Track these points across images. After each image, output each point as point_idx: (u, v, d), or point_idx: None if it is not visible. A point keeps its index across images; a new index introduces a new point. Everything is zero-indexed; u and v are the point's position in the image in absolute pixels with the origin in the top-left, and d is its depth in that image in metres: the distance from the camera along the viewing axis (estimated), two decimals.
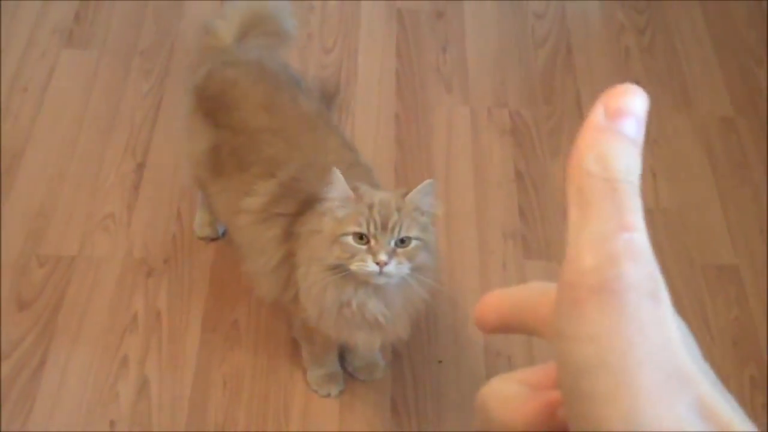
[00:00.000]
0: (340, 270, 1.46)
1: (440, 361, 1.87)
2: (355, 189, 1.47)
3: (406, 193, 1.48)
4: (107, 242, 2.02)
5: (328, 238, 1.47)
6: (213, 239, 2.02)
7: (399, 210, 1.45)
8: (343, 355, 1.84)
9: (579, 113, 2.35)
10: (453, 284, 1.99)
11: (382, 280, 1.46)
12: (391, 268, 1.44)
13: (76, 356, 1.85)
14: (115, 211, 2.07)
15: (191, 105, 1.78)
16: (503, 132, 2.31)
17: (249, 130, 1.67)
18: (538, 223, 2.13)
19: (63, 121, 2.25)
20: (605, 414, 0.36)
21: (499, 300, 0.48)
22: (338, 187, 1.45)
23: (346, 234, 1.45)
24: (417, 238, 1.46)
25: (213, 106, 1.73)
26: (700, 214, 2.17)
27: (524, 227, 2.11)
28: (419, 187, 1.47)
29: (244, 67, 1.76)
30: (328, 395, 1.81)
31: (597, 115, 0.41)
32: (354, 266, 1.45)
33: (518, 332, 0.46)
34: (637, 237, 0.40)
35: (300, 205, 1.58)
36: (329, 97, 2.34)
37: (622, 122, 0.41)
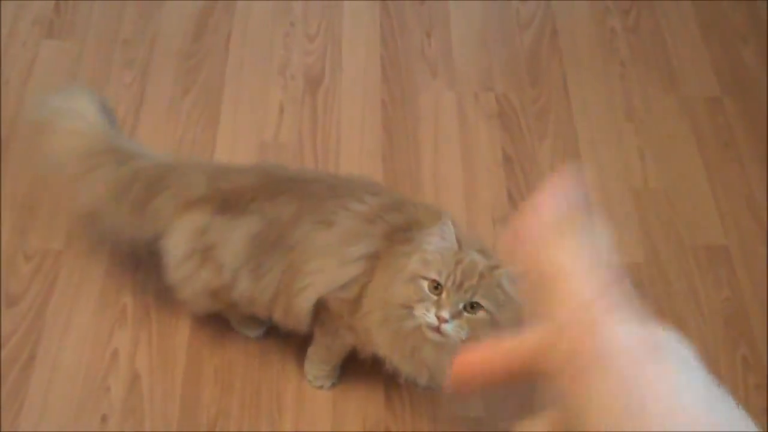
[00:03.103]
0: (405, 310, 1.45)
1: None
2: (459, 243, 1.44)
3: (497, 267, 1.43)
4: (94, 235, 2.00)
5: (408, 274, 1.45)
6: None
7: (482, 277, 1.41)
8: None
9: (566, 95, 2.35)
10: None
11: (437, 337, 1.43)
12: (448, 327, 1.41)
13: (65, 351, 1.83)
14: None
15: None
16: (490, 116, 2.30)
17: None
18: None
19: None
20: None
21: (485, 353, 0.48)
22: (446, 236, 1.44)
23: (425, 278, 1.42)
24: (487, 310, 1.42)
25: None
26: (688, 194, 2.17)
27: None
28: (509, 272, 1.42)
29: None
30: (321, 387, 1.80)
31: (536, 216, 0.45)
32: (417, 311, 1.42)
33: (511, 380, 0.47)
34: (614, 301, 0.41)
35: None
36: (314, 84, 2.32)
37: (563, 221, 0.44)
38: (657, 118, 2.32)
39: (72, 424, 1.74)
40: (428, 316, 1.41)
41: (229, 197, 1.62)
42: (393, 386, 1.81)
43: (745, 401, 1.82)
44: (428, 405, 1.80)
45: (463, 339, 1.42)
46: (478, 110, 2.31)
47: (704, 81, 2.42)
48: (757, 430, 0.39)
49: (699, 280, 2.00)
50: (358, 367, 1.83)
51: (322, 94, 2.33)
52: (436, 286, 1.42)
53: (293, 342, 1.86)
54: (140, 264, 1.96)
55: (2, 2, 2.47)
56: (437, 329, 1.41)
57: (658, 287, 1.98)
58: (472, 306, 1.41)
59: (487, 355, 0.48)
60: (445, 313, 1.40)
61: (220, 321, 1.88)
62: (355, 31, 2.49)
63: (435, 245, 1.45)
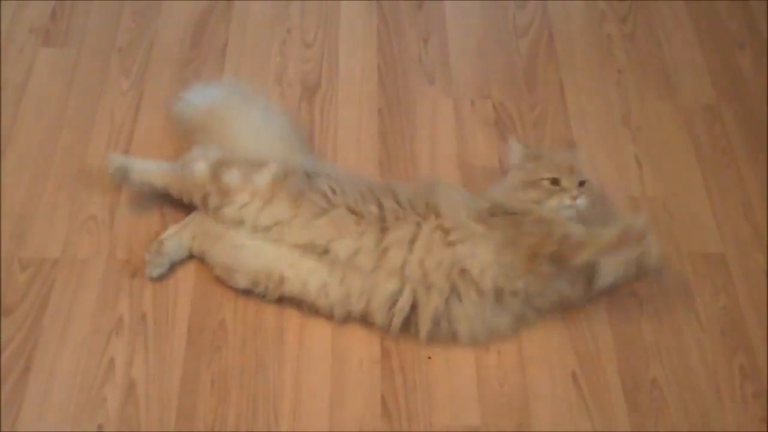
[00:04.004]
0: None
1: (429, 357, 1.86)
2: (528, 149, 2.04)
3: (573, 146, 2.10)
4: (90, 243, 2.00)
5: (523, 183, 1.96)
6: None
7: (571, 161, 1.98)
8: None
9: (562, 103, 2.34)
10: None
11: (572, 212, 1.91)
12: (580, 201, 1.92)
13: (61, 360, 1.83)
14: (98, 212, 2.05)
15: None
16: (487, 123, 2.30)
17: None
18: None
19: (42, 121, 2.23)
20: None
21: None
22: (516, 153, 2.03)
23: (543, 179, 1.94)
24: (589, 180, 1.96)
25: None
26: (685, 201, 2.16)
27: None
28: (579, 152, 2.08)
29: None
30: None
31: None
32: (550, 203, 1.92)
33: None
34: None
35: None
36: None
37: None
38: (654, 125, 2.32)
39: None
40: (564, 200, 1.92)
41: None
42: (390, 394, 1.81)
43: (743, 410, 1.82)
44: (424, 412, 1.79)
45: (588, 206, 1.93)
46: (475, 118, 2.31)
47: (701, 88, 2.42)
48: None
49: (696, 288, 2.00)
50: (355, 376, 1.83)
51: (318, 101, 2.33)
52: (553, 181, 1.93)
53: (289, 349, 1.86)
54: (137, 272, 1.95)
55: None
56: (573, 207, 1.91)
57: (656, 297, 1.97)
58: (582, 182, 1.94)
59: None
60: (575, 192, 1.92)
61: (217, 328, 1.88)
62: (352, 37, 2.49)
63: (525, 160, 2.01)
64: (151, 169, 2.01)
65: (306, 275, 1.86)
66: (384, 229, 1.86)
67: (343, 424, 1.77)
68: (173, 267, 1.96)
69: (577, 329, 1.93)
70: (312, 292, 1.86)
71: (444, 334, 1.87)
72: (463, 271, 1.83)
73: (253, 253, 1.88)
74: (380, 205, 1.90)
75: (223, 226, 1.91)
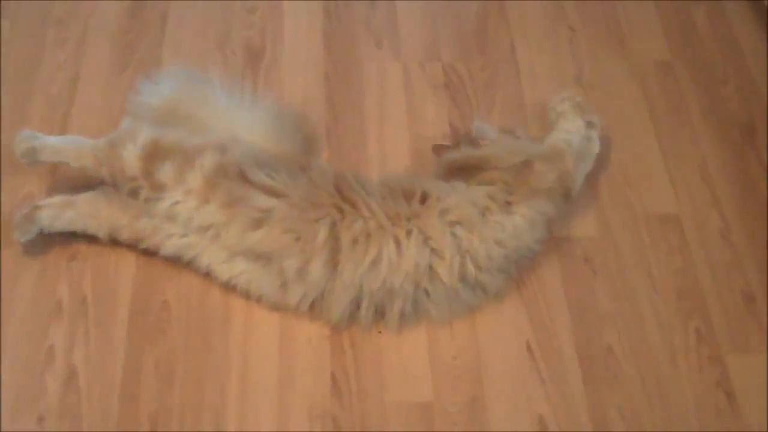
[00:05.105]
0: None
1: (380, 332, 1.82)
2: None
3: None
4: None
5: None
6: None
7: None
8: None
9: (514, 63, 2.29)
10: None
11: None
12: None
13: (1, 349, 1.77)
14: (34, 192, 1.98)
15: None
16: (437, 86, 2.24)
17: None
18: None
19: None
20: None
21: None
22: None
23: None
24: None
25: None
26: (639, 162, 2.13)
27: None
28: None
29: None
30: None
31: None
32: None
33: None
34: None
35: None
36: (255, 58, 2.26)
37: None
38: (607, 84, 2.27)
39: (8, 425, 1.68)
40: None
41: None
42: (340, 371, 1.77)
43: (698, 373, 1.79)
44: (376, 390, 1.76)
45: None
46: (424, 81, 2.25)
47: (654, 44, 2.37)
48: None
49: (651, 251, 1.97)
50: (304, 353, 1.79)
51: (263, 68, 2.26)
52: None
53: (235, 328, 1.82)
54: (75, 255, 1.89)
55: None
56: None
57: (610, 261, 1.94)
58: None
59: None
60: None
61: (160, 310, 1.83)
62: (296, 1, 2.42)
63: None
64: (67, 149, 1.89)
65: (237, 273, 1.81)
66: (336, 255, 1.76)
67: (293, 404, 1.73)
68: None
69: (531, 297, 1.89)
70: (240, 284, 1.83)
71: (416, 322, 1.84)
72: (431, 270, 1.78)
73: (181, 245, 1.83)
74: (333, 227, 1.78)
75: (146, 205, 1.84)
